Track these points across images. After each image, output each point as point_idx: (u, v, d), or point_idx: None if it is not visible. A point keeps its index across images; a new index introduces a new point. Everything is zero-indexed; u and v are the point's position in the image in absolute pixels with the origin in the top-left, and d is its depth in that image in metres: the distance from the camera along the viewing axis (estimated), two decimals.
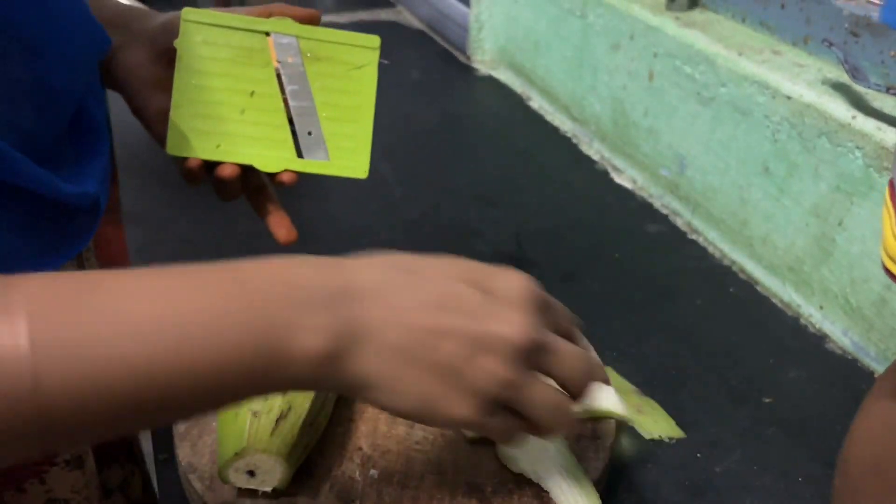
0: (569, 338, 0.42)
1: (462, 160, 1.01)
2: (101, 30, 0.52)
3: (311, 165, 0.55)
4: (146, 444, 0.61)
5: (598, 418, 0.53)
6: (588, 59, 1.00)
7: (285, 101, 0.55)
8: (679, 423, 0.61)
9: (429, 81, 1.23)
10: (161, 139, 0.55)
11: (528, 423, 0.40)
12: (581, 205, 0.91)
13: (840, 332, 0.70)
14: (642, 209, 0.91)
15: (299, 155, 0.55)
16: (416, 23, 1.46)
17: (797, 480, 0.57)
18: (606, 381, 0.45)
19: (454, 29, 1.32)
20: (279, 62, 0.54)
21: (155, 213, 0.86)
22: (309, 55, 0.54)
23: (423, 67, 1.28)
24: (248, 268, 0.36)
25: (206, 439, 0.50)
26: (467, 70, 1.26)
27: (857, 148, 0.65)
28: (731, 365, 0.68)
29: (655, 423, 0.60)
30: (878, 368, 0.67)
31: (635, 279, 0.78)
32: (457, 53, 1.31)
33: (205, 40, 0.53)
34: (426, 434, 0.52)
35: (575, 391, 0.41)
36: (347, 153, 0.56)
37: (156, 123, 0.55)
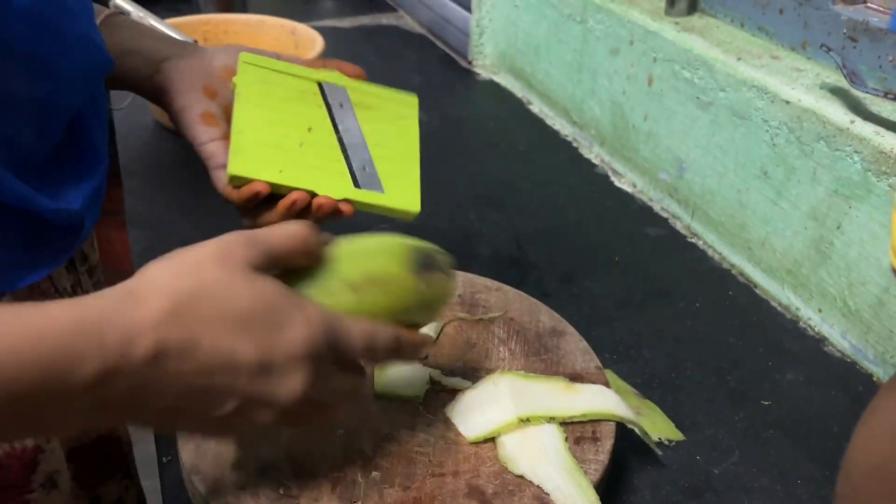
0: (354, 368, 0.44)
1: (463, 163, 1.01)
2: (103, 49, 0.53)
3: (369, 196, 0.57)
4: (149, 446, 0.61)
5: (598, 420, 0.54)
6: (588, 64, 1.01)
7: (339, 139, 0.58)
8: (678, 425, 0.62)
9: (430, 85, 1.23)
10: (193, 137, 0.57)
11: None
12: (581, 208, 0.92)
13: (838, 335, 0.71)
14: (642, 212, 0.91)
15: (356, 186, 0.57)
16: (417, 27, 1.47)
17: (796, 482, 0.57)
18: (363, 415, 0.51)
19: (455, 33, 1.33)
20: (330, 105, 0.58)
21: (158, 216, 0.87)
22: (356, 103, 0.59)
23: (425, 71, 1.28)
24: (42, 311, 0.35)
25: (209, 442, 0.51)
26: (468, 74, 1.27)
27: (856, 152, 0.66)
28: (730, 367, 0.68)
29: (655, 426, 0.61)
30: (877, 370, 0.68)
31: (635, 282, 0.79)
32: (458, 58, 1.32)
33: (261, 80, 0.57)
34: (427, 437, 0.52)
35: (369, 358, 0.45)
36: (400, 188, 0.58)
37: (195, 126, 0.57)
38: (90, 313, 0.35)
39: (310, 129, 0.57)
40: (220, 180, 0.55)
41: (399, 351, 0.45)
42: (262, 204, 0.55)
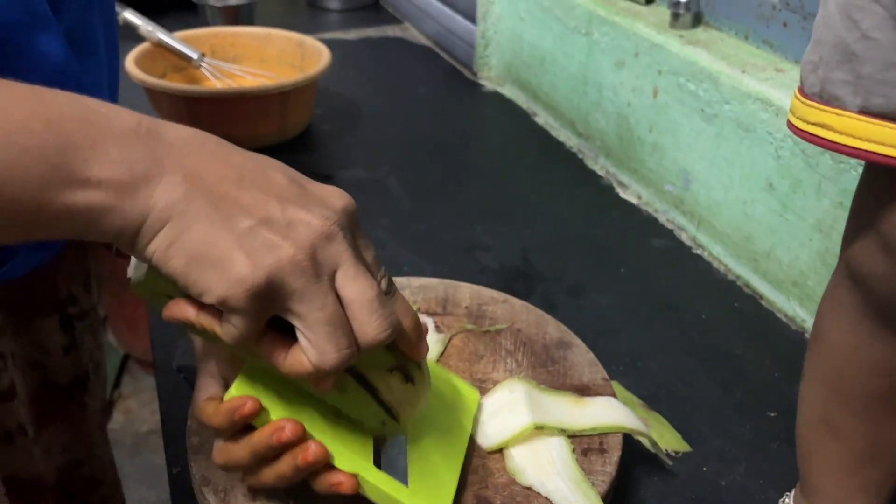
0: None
1: (468, 175, 1.02)
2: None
3: (385, 482, 0.44)
4: (158, 456, 0.62)
5: (605, 432, 0.54)
6: (593, 76, 1.02)
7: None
8: (685, 437, 0.62)
9: (435, 97, 1.24)
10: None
11: (296, 339, 0.37)
12: (587, 219, 0.92)
13: None
14: (647, 224, 0.92)
15: (376, 465, 0.45)
16: (422, 39, 1.48)
17: None
18: (404, 332, 0.40)
19: (461, 46, 1.34)
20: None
21: None
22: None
23: (430, 83, 1.29)
24: (60, 93, 0.34)
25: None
26: (473, 86, 1.27)
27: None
28: (737, 379, 0.68)
29: (662, 437, 0.61)
30: None
31: (641, 293, 0.79)
32: (463, 70, 1.33)
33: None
34: None
35: (364, 334, 0.37)
36: (428, 486, 0.46)
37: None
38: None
39: (345, 390, 0.44)
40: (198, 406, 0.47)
41: (394, 290, 0.40)
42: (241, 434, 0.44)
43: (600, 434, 0.54)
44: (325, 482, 0.42)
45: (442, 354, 0.60)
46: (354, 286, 0.36)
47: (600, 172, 1.02)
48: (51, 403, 0.64)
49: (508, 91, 1.25)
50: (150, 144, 0.34)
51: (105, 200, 0.33)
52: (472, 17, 1.27)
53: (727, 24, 0.88)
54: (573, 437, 0.53)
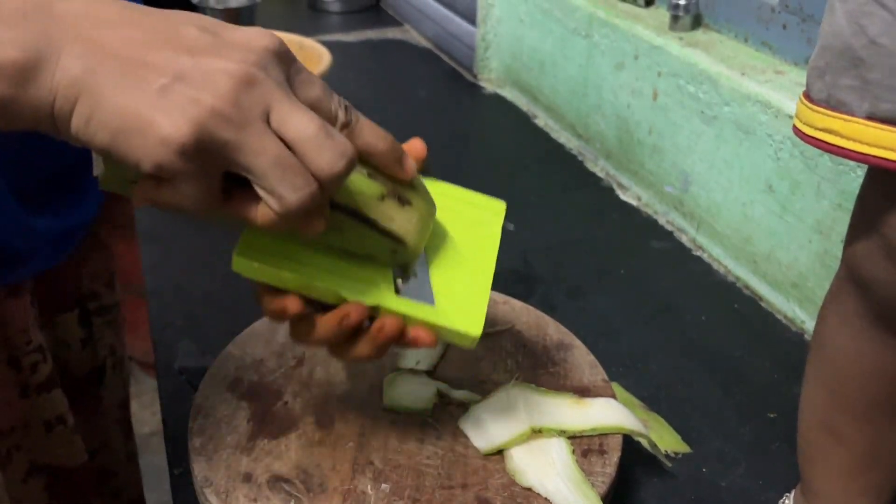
0: (315, 108, 0.36)
1: (469, 177, 1.02)
2: None
3: (412, 307, 0.44)
4: (159, 457, 0.62)
5: (605, 433, 0.54)
6: (593, 78, 1.02)
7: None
8: (685, 438, 0.62)
9: (436, 99, 1.25)
10: None
11: (249, 191, 0.35)
12: (587, 221, 0.92)
13: None
14: (647, 225, 0.92)
15: (397, 293, 0.45)
16: (423, 42, 1.48)
17: None
18: (346, 163, 0.36)
19: (461, 48, 1.34)
20: None
21: (169, 231, 0.88)
22: None
23: (431, 86, 1.29)
24: None
25: (221, 453, 0.51)
26: (474, 88, 1.28)
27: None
28: (736, 380, 0.69)
29: (661, 438, 0.61)
30: None
31: (641, 295, 0.79)
32: (463, 72, 1.33)
33: None
34: (436, 449, 0.53)
35: (317, 168, 0.35)
36: (457, 304, 0.45)
37: None
38: None
39: (342, 230, 0.42)
40: None
41: (354, 116, 0.39)
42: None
43: (600, 435, 0.54)
44: (406, 339, 0.43)
45: (442, 356, 0.61)
46: (291, 124, 0.34)
47: (600, 174, 1.02)
48: (68, 394, 0.65)
49: (508, 93, 1.25)
50: (40, 22, 0.32)
51: (4, 91, 0.32)
52: (472, 20, 1.28)
53: (727, 27, 0.88)
54: (573, 438, 0.54)
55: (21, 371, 0.56)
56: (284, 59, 0.35)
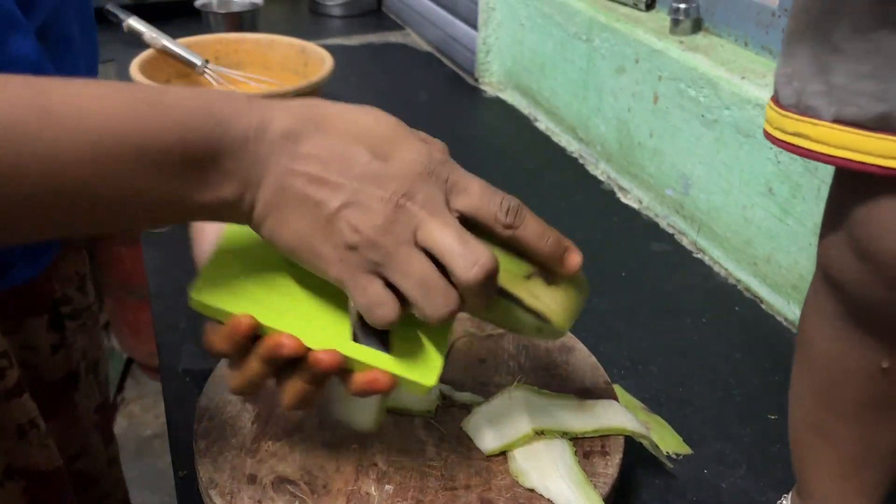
0: (474, 216, 0.41)
1: None
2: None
3: (365, 354, 0.43)
4: (161, 460, 0.62)
5: (607, 435, 0.54)
6: (593, 82, 1.02)
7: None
8: (686, 440, 0.62)
9: (437, 103, 1.25)
10: None
11: (402, 299, 0.40)
12: (587, 224, 0.93)
13: None
14: (648, 228, 0.92)
15: (354, 340, 0.44)
16: (424, 45, 1.49)
17: None
18: (487, 279, 0.40)
19: (462, 52, 1.35)
20: None
21: (172, 235, 0.88)
22: None
23: (432, 89, 1.30)
24: (180, 93, 0.39)
25: (226, 455, 0.52)
26: (475, 92, 1.28)
27: None
28: (737, 382, 0.69)
29: (663, 440, 0.62)
30: None
31: (641, 297, 0.80)
32: (464, 75, 1.34)
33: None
34: (439, 451, 0.53)
35: (456, 278, 0.39)
36: (414, 352, 0.44)
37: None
38: (223, 100, 0.39)
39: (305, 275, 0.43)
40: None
41: (519, 217, 0.43)
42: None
43: (602, 437, 0.54)
44: (361, 381, 0.43)
45: (445, 358, 0.61)
46: (433, 240, 0.39)
47: (601, 177, 1.03)
48: (40, 401, 0.65)
49: (509, 96, 1.26)
50: (257, 148, 0.39)
51: (220, 205, 0.40)
52: (473, 24, 1.28)
53: (727, 31, 0.88)
54: (575, 439, 0.54)
55: None
56: (439, 178, 0.41)
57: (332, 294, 0.44)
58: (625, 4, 1.00)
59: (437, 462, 0.52)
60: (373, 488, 0.50)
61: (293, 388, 0.43)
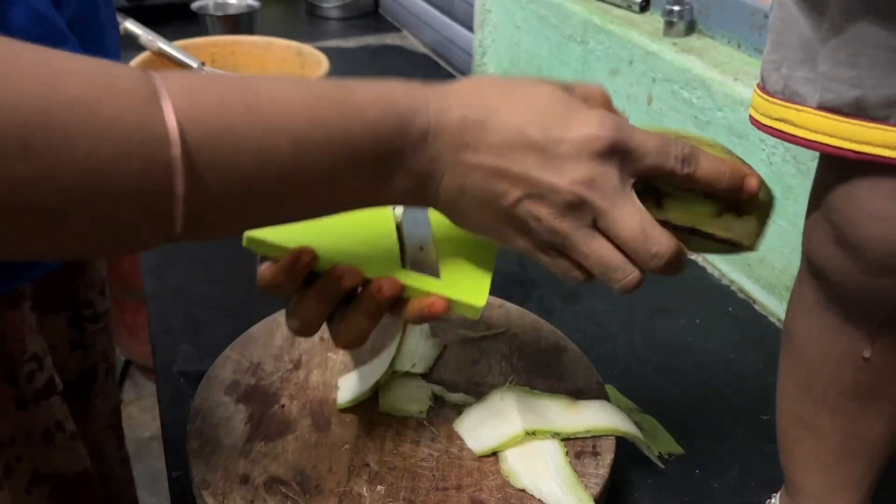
0: (655, 172, 0.42)
1: None
2: None
3: (418, 280, 0.44)
4: (159, 461, 0.63)
5: (598, 435, 0.55)
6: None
7: (394, 214, 0.49)
8: (678, 440, 0.63)
9: None
10: None
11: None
12: None
13: None
14: None
15: (403, 266, 0.45)
16: (421, 47, 1.49)
17: None
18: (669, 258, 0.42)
19: (458, 54, 1.35)
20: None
21: None
22: None
23: None
24: (363, 91, 0.39)
25: (219, 455, 0.52)
26: None
27: None
28: (730, 382, 0.69)
29: (655, 440, 0.62)
30: None
31: (636, 299, 0.80)
32: (461, 77, 1.34)
33: None
34: (431, 451, 0.53)
35: (633, 256, 0.41)
36: (463, 275, 0.46)
37: None
38: (398, 88, 0.40)
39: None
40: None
41: (693, 163, 0.42)
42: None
43: (593, 437, 0.55)
44: (417, 307, 0.44)
45: (438, 359, 0.61)
46: (614, 229, 0.41)
47: None
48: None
49: None
50: (436, 143, 0.40)
51: (404, 195, 0.41)
52: (469, 26, 1.29)
53: (720, 33, 0.89)
54: (567, 440, 0.54)
55: (18, 383, 0.56)
56: (616, 154, 0.40)
57: (377, 224, 0.47)
58: (619, 7, 1.00)
59: (428, 462, 0.53)
60: (364, 489, 0.50)
61: (350, 322, 0.44)
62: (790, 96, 0.40)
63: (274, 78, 0.38)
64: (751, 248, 0.47)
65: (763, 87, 0.42)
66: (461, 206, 0.42)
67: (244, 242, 0.43)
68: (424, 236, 0.48)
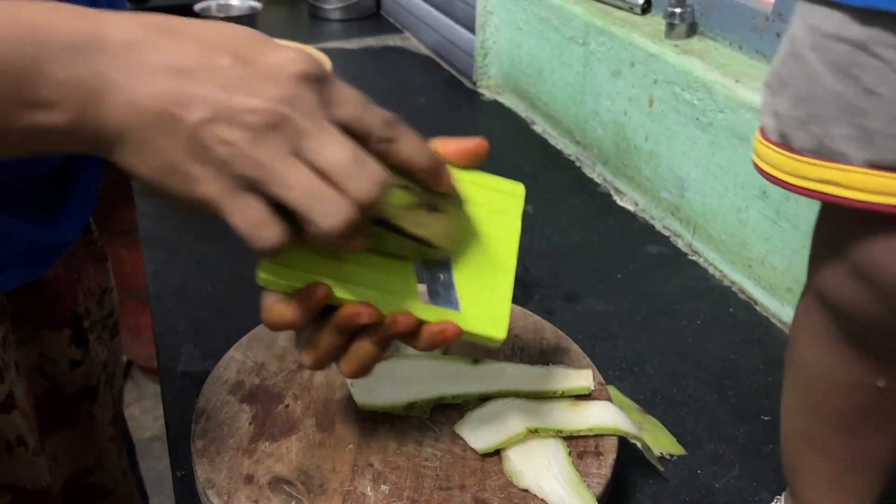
0: (352, 127, 0.37)
1: None
2: None
3: (437, 313, 0.44)
4: (161, 461, 0.63)
5: (600, 435, 0.55)
6: (590, 85, 1.03)
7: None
8: (680, 440, 0.63)
9: (435, 106, 1.26)
10: None
11: (288, 218, 0.36)
12: (584, 227, 0.93)
13: None
14: (644, 231, 0.93)
15: (424, 301, 0.44)
16: (423, 49, 1.49)
17: None
18: (375, 187, 0.37)
19: (460, 55, 1.35)
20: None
21: (170, 237, 0.89)
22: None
23: (430, 92, 1.30)
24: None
25: (223, 455, 0.52)
26: (473, 95, 1.29)
27: None
28: (731, 383, 0.70)
29: (657, 440, 0.62)
30: None
31: (637, 299, 0.80)
32: (463, 79, 1.34)
33: None
34: (434, 451, 0.54)
35: (344, 184, 0.36)
36: (482, 306, 0.45)
37: None
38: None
39: (374, 236, 0.43)
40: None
41: (395, 132, 0.39)
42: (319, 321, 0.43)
43: (596, 437, 0.55)
44: (429, 334, 0.42)
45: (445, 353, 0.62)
46: (321, 155, 0.35)
47: (598, 180, 1.03)
48: (57, 412, 0.65)
49: (507, 100, 1.26)
50: (93, 61, 0.34)
51: (62, 120, 0.35)
52: (471, 28, 1.29)
53: (721, 35, 0.89)
54: (569, 439, 0.54)
55: None
56: (316, 83, 0.36)
57: (393, 257, 0.44)
58: (621, 9, 1.01)
59: (432, 462, 0.53)
60: (369, 488, 0.51)
61: (361, 351, 0.42)
62: (829, 155, 0.37)
63: None
64: (441, 249, 0.44)
65: (783, 144, 0.39)
66: (134, 139, 0.35)
67: (259, 281, 0.42)
68: (442, 266, 0.46)
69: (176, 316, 0.75)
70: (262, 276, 0.42)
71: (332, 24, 1.64)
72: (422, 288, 0.44)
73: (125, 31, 0.35)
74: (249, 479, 0.51)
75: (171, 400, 0.65)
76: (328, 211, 0.35)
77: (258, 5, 1.45)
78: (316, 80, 0.36)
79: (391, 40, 1.54)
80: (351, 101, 0.38)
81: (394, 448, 0.54)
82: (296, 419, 0.56)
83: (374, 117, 0.38)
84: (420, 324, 0.43)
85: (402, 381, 0.58)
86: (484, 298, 0.45)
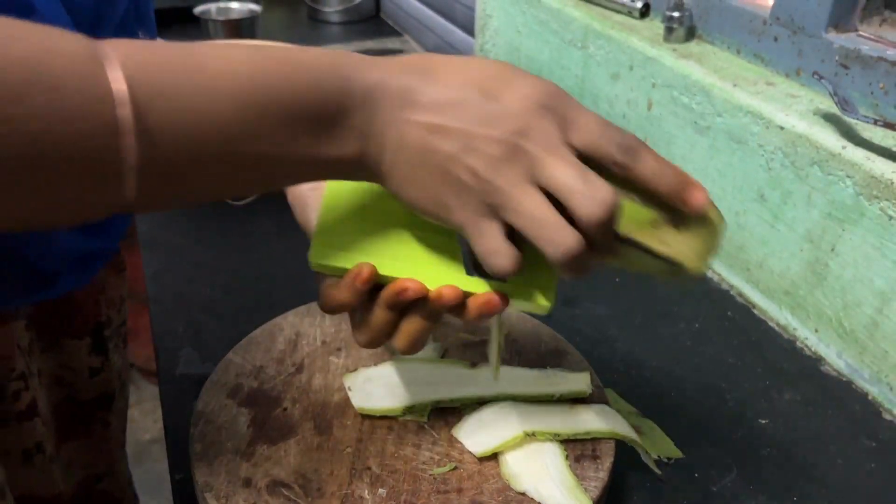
0: (589, 152, 0.40)
1: None
2: None
3: (482, 286, 0.44)
4: (160, 464, 0.63)
5: (598, 439, 0.55)
6: (589, 89, 1.03)
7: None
8: (677, 444, 0.63)
9: None
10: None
11: (521, 242, 0.40)
12: None
13: (835, 355, 0.72)
14: None
15: (468, 273, 0.45)
16: (421, 52, 1.50)
17: (792, 500, 0.59)
18: (607, 215, 0.39)
19: None
20: None
21: (171, 240, 0.89)
22: None
23: None
24: (306, 55, 0.39)
25: (221, 458, 0.53)
26: None
27: (848, 177, 0.67)
28: (729, 387, 0.70)
29: (654, 444, 0.62)
30: (871, 389, 0.69)
31: (635, 303, 0.80)
32: None
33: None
34: (432, 454, 0.54)
35: (576, 217, 0.38)
36: (528, 275, 0.45)
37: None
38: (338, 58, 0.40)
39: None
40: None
41: (635, 155, 0.40)
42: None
43: (593, 441, 0.55)
44: (475, 306, 0.44)
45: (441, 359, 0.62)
46: (552, 180, 0.38)
47: None
48: (73, 419, 0.65)
49: None
50: (378, 103, 0.39)
51: (347, 162, 0.40)
52: (470, 30, 1.29)
53: (719, 39, 0.89)
54: (567, 443, 0.55)
55: (4, 400, 0.56)
56: (555, 111, 0.39)
57: (439, 231, 0.45)
58: (619, 12, 1.01)
59: (430, 466, 0.53)
60: (366, 492, 0.51)
61: (411, 326, 0.44)
62: None
63: (221, 42, 0.39)
64: (692, 270, 0.43)
65: None
66: (402, 169, 0.40)
67: (312, 266, 0.44)
68: None
69: (175, 319, 0.75)
70: (314, 261, 0.43)
71: (331, 26, 1.65)
72: (468, 263, 0.45)
73: (400, 77, 0.40)
74: (247, 482, 0.51)
75: (169, 403, 0.65)
76: (554, 240, 0.38)
77: (258, 8, 1.46)
78: (554, 112, 0.39)
79: (390, 43, 1.54)
80: (591, 128, 0.40)
81: (391, 451, 0.54)
82: (294, 422, 0.56)
83: (611, 142, 0.40)
84: (466, 296, 0.44)
85: (399, 384, 0.58)
86: (530, 267, 0.44)
